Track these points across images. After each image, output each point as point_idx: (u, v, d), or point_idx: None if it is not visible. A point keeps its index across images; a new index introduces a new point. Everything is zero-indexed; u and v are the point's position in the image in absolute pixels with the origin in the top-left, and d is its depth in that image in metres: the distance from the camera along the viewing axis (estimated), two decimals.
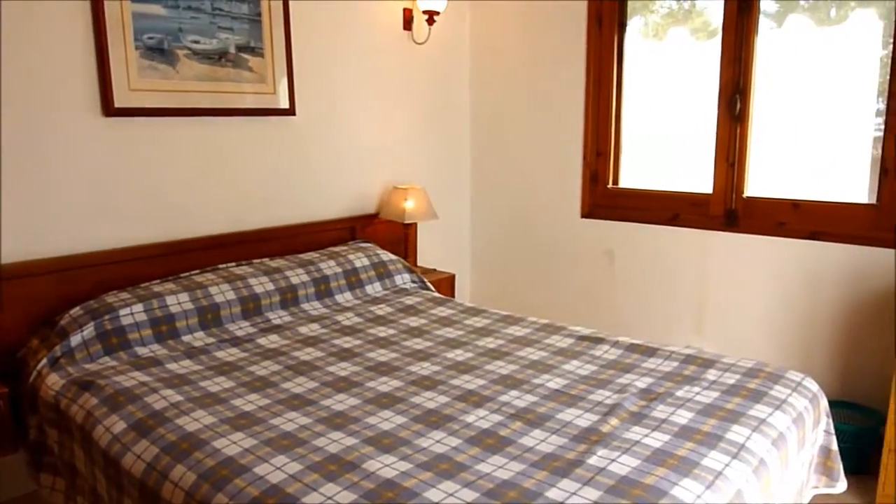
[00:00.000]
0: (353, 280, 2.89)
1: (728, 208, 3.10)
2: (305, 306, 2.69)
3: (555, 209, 3.68)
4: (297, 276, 2.73)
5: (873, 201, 2.77)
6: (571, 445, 1.63)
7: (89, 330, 2.19)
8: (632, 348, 2.29)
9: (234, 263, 2.76)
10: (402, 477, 1.48)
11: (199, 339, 2.36)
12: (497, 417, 1.78)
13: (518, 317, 2.66)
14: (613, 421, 1.75)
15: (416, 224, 3.48)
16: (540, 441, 1.65)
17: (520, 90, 3.73)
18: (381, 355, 2.24)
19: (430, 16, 3.43)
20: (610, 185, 3.50)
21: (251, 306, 2.54)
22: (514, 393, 1.94)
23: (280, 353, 2.26)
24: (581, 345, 2.34)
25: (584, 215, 3.57)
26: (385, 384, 2.00)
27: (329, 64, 3.20)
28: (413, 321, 2.60)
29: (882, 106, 2.74)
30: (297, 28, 3.03)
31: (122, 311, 2.26)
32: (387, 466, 1.52)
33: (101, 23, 2.42)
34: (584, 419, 1.77)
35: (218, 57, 2.78)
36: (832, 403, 2.79)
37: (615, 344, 2.33)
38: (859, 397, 2.82)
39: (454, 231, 4.00)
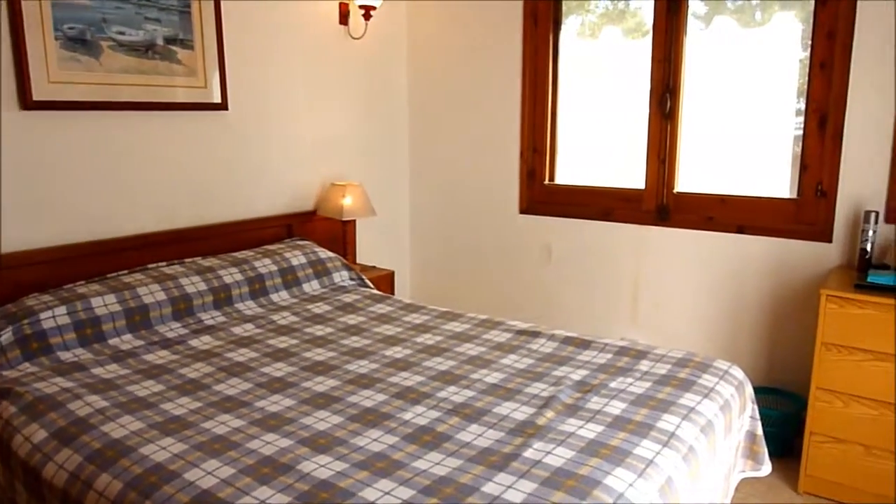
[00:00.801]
0: (290, 278, 2.84)
1: (660, 203, 3.19)
2: (240, 306, 2.63)
3: (493, 205, 3.71)
4: (231, 276, 2.66)
5: (794, 196, 2.90)
6: (508, 439, 1.64)
7: (7, 335, 2.09)
8: (567, 341, 2.33)
9: (164, 263, 2.67)
10: (337, 477, 1.46)
11: (126, 342, 2.27)
12: (435, 414, 1.78)
13: (457, 313, 2.67)
14: (549, 413, 1.77)
15: (354, 221, 3.45)
16: (477, 436, 1.66)
17: (458, 87, 3.74)
18: (318, 354, 2.21)
19: (367, 11, 3.40)
20: (547, 182, 3.55)
21: (182, 307, 2.47)
22: (452, 389, 1.94)
23: (213, 355, 2.20)
24: (519, 339, 2.37)
25: (522, 211, 3.61)
26: (321, 384, 1.98)
27: (263, 58, 3.14)
28: (351, 319, 2.58)
29: (801, 106, 2.86)
30: (230, 21, 2.95)
31: (44, 315, 2.16)
32: (322, 467, 1.50)
33: (17, 12, 2.29)
34: (521, 412, 1.79)
35: (145, 49, 2.68)
36: (758, 390, 2.92)
37: (551, 337, 2.36)
38: (783, 383, 2.95)
39: (393, 227, 3.98)
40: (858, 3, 2.61)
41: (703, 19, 3.14)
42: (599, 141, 3.56)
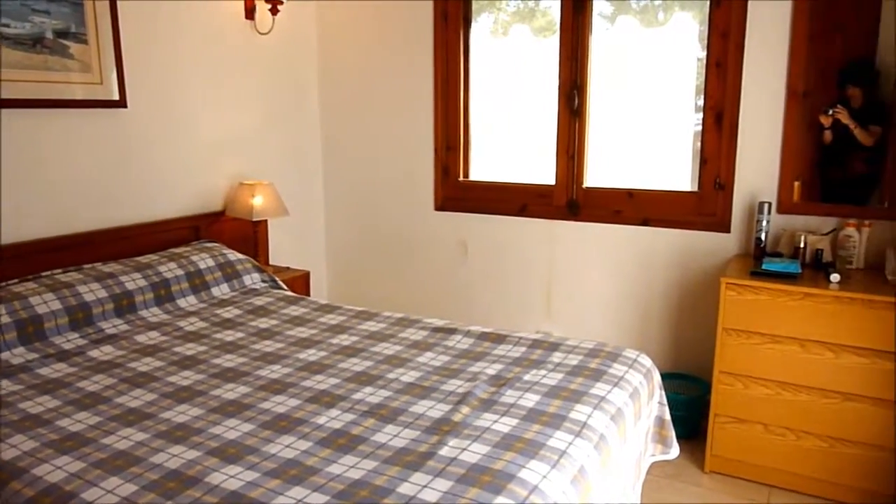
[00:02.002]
0: (198, 282, 2.73)
1: (570, 198, 3.27)
2: (144, 313, 2.51)
3: (409, 203, 3.70)
4: (134, 281, 2.54)
5: (695, 189, 3.03)
6: (424, 438, 1.63)
7: None
8: (483, 337, 2.35)
9: (59, 270, 2.51)
10: (248, 487, 1.41)
11: (18, 355, 2.12)
12: (350, 416, 1.75)
13: (373, 312, 2.64)
14: (465, 409, 1.78)
15: (266, 221, 3.36)
16: (393, 436, 1.65)
17: (370, 84, 3.71)
18: (228, 361, 2.14)
19: (274, 5, 3.31)
20: (461, 178, 3.56)
21: (80, 316, 2.33)
22: (367, 390, 1.92)
23: (114, 366, 2.09)
24: (435, 336, 2.37)
25: (438, 208, 3.61)
26: (231, 391, 1.91)
27: (165, 53, 3.00)
28: (263, 322, 2.51)
29: (700, 103, 2.99)
30: (127, 14, 2.80)
31: None
32: (232, 478, 1.45)
33: None
34: (437, 410, 1.79)
35: (32, 43, 2.51)
36: (667, 375, 3.04)
37: (467, 333, 2.37)
38: (690, 368, 3.09)
39: (308, 227, 3.90)
40: (749, 4, 2.75)
41: (609, 19, 3.23)
42: (513, 137, 3.61)
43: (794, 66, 2.71)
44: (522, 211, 3.39)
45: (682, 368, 3.11)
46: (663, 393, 2.26)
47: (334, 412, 1.78)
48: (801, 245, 2.66)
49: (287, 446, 1.59)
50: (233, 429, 1.68)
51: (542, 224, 3.34)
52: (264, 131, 3.56)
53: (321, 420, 1.73)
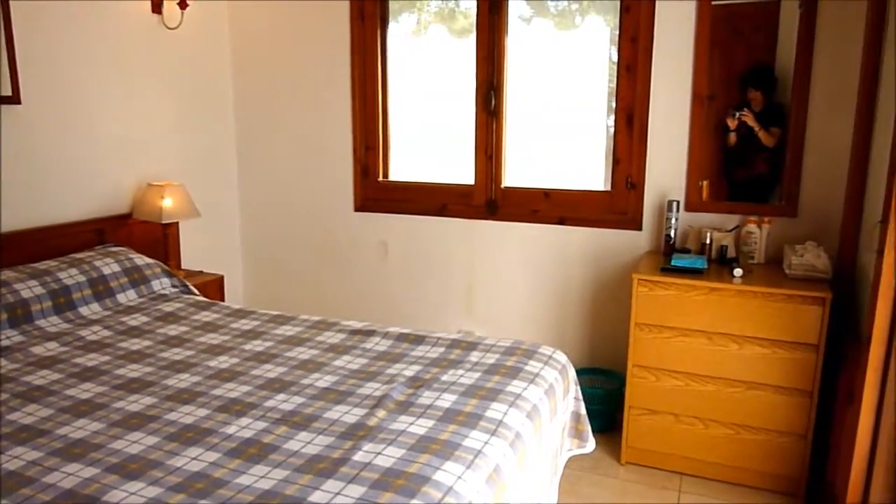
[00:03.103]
0: (101, 289, 2.59)
1: (489, 198, 3.29)
2: (41, 323, 2.36)
3: (328, 204, 3.64)
4: (30, 289, 2.38)
5: (608, 188, 3.11)
6: (338, 444, 1.60)
7: None
8: (402, 338, 2.33)
9: None
10: None
11: None
12: (261, 424, 1.70)
13: (289, 316, 2.58)
14: (381, 413, 1.76)
15: (177, 224, 3.22)
16: (306, 443, 1.60)
17: (286, 83, 3.62)
18: (133, 371, 2.04)
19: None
20: (381, 179, 3.53)
21: None
22: (280, 396, 1.87)
23: (7, 380, 1.95)
24: (353, 339, 2.33)
25: (357, 209, 3.57)
26: (135, 403, 1.82)
27: (64, 47, 2.83)
28: (172, 330, 2.40)
29: (613, 104, 3.07)
30: (21, 5, 2.62)
31: None
32: (133, 495, 1.38)
33: None
34: (352, 415, 1.76)
35: None
36: (584, 370, 3.11)
37: (385, 335, 2.35)
38: (606, 363, 3.17)
39: (223, 229, 3.78)
40: (657, 10, 2.85)
41: (526, 21, 3.27)
42: (433, 138, 3.61)
43: (698, 71, 2.82)
44: (442, 211, 3.39)
45: (600, 363, 3.19)
46: (579, 388, 2.30)
47: (245, 421, 1.72)
48: (708, 241, 2.77)
49: (194, 458, 1.53)
50: (136, 443, 1.60)
51: (461, 224, 3.36)
52: (175, 130, 3.42)
53: (231, 430, 1.67)
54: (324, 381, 1.98)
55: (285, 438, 1.63)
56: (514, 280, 3.31)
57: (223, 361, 2.12)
